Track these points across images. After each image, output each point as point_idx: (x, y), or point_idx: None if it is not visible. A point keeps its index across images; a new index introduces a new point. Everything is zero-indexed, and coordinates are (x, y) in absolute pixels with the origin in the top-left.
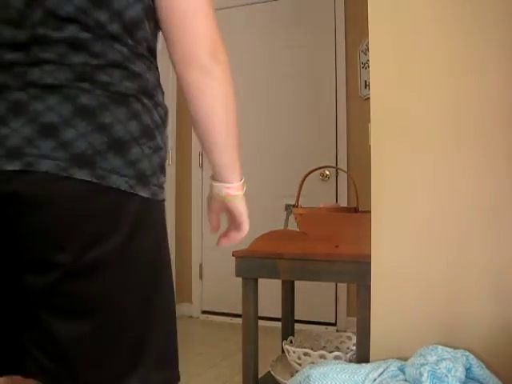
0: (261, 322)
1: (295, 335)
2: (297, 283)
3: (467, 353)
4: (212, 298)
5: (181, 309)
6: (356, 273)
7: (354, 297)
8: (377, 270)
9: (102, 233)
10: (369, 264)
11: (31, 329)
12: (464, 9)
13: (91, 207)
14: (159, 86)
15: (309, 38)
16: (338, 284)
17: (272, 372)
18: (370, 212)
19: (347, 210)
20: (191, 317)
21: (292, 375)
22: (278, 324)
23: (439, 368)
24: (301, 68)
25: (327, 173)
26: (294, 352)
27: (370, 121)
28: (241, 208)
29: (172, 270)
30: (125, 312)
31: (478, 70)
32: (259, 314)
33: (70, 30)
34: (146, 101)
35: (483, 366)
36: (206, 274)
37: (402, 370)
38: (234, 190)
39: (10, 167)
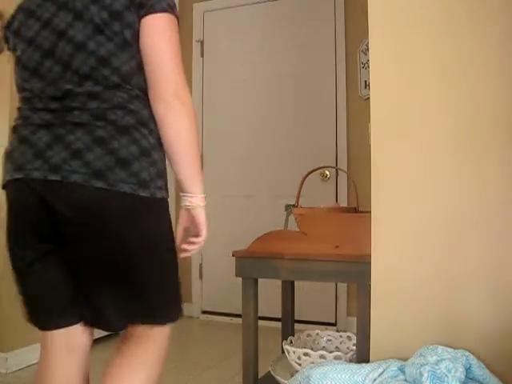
0: (261, 322)
1: (295, 335)
2: (297, 283)
3: (467, 353)
4: (212, 298)
5: None
6: (356, 273)
7: (354, 297)
8: (377, 270)
9: (113, 217)
10: (369, 264)
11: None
12: (464, 8)
13: (104, 204)
14: (152, 117)
15: (309, 38)
16: (338, 284)
17: (272, 372)
18: (369, 212)
19: (347, 209)
20: (191, 317)
21: (292, 375)
22: (278, 324)
23: (439, 368)
24: (301, 68)
25: (327, 173)
26: (294, 352)
27: (369, 121)
28: (201, 217)
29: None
30: (128, 265)
31: (478, 70)
32: (259, 314)
33: (87, 85)
34: (142, 130)
35: (483, 366)
36: (206, 274)
37: (402, 370)
38: (195, 199)
39: (52, 178)
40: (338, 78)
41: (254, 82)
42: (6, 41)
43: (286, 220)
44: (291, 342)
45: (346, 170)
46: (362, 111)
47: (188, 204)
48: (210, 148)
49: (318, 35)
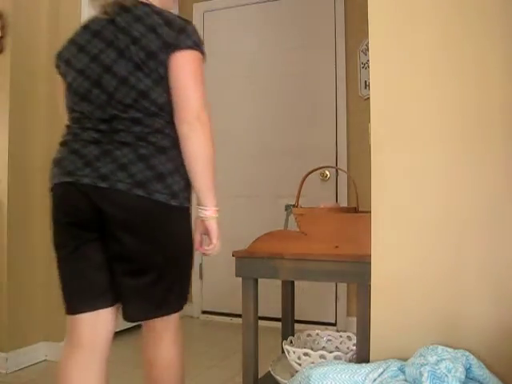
0: (261, 322)
1: (295, 335)
2: (297, 283)
3: (467, 353)
4: (212, 298)
5: None
6: (356, 273)
7: (354, 297)
8: (377, 270)
9: (149, 220)
10: (369, 264)
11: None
12: (464, 8)
13: (143, 208)
14: (177, 143)
15: (309, 38)
16: (338, 284)
17: (272, 372)
18: (369, 212)
19: (347, 209)
20: (191, 317)
21: (292, 375)
22: (278, 324)
23: (439, 368)
24: (301, 68)
25: (327, 173)
26: (294, 352)
27: (369, 121)
28: (213, 227)
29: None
30: (155, 260)
31: (478, 70)
32: (259, 314)
33: (130, 112)
34: (175, 150)
35: (483, 366)
36: (206, 274)
37: (402, 370)
38: (208, 212)
39: (101, 185)
40: (337, 78)
41: (254, 82)
42: (57, 67)
43: (286, 220)
44: (291, 342)
45: (345, 170)
46: (362, 111)
47: (202, 216)
48: None
49: (318, 35)
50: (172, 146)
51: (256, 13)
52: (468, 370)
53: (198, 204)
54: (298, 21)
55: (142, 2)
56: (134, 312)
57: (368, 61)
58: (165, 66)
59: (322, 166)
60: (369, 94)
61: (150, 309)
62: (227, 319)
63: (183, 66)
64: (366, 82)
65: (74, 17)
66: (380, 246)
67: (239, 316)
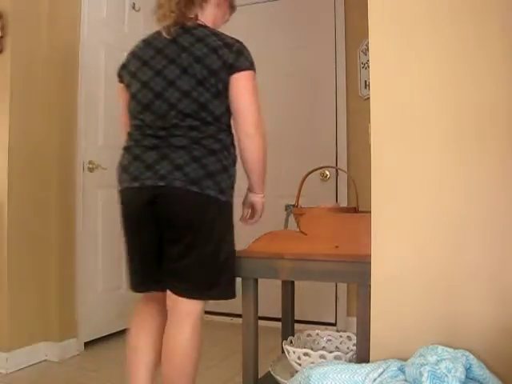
0: (261, 322)
1: (295, 335)
2: (297, 283)
3: (467, 353)
4: None
5: None
6: (356, 273)
7: (354, 297)
8: (377, 270)
9: (202, 212)
10: (369, 264)
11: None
12: (464, 8)
13: (197, 202)
14: (232, 144)
15: (309, 38)
16: (338, 284)
17: (272, 372)
18: (369, 212)
19: (347, 209)
20: None
21: (292, 375)
22: (278, 324)
23: (439, 368)
24: (301, 68)
25: (327, 173)
26: (294, 352)
27: (369, 121)
28: (259, 207)
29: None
30: (211, 249)
31: (478, 70)
32: (259, 314)
33: (189, 121)
34: (225, 153)
35: (483, 366)
36: None
37: (402, 370)
38: (258, 197)
39: (161, 184)
40: (337, 78)
41: None
42: (120, 77)
43: (286, 220)
44: (291, 342)
45: (345, 170)
46: (362, 111)
47: (253, 199)
48: None
49: (318, 35)
50: (222, 149)
51: (256, 13)
52: (468, 370)
53: (251, 191)
54: (298, 21)
55: (199, 24)
56: (183, 289)
57: (368, 61)
58: (224, 83)
59: (321, 166)
60: (369, 94)
61: (198, 288)
62: (227, 319)
63: (242, 85)
64: (365, 81)
65: (74, 17)
66: (380, 245)
67: (239, 316)
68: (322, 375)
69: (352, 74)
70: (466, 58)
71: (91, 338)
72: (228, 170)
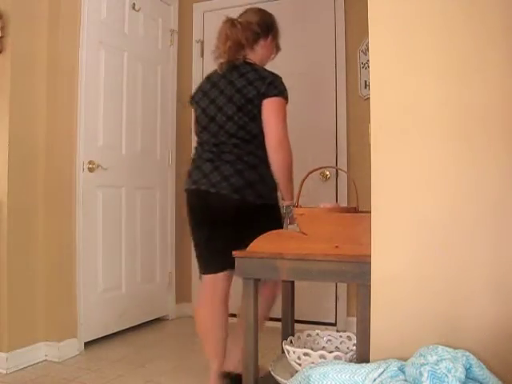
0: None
1: (295, 335)
2: (297, 283)
3: (467, 353)
4: None
5: (181, 309)
6: (356, 273)
7: (354, 297)
8: (377, 270)
9: (240, 213)
10: (369, 264)
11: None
12: (465, 7)
13: (237, 205)
14: (266, 160)
15: (309, 38)
16: (338, 284)
17: (272, 372)
18: (369, 212)
19: (347, 210)
20: (191, 317)
21: (292, 375)
22: (278, 324)
23: (439, 368)
24: (301, 68)
25: (327, 173)
26: (293, 352)
27: (369, 121)
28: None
29: (173, 270)
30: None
31: (479, 69)
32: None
33: (233, 140)
34: (263, 166)
35: (483, 366)
36: None
37: (402, 370)
38: (285, 203)
39: (212, 190)
40: (337, 78)
41: None
42: (191, 104)
43: (286, 220)
44: (291, 342)
45: (345, 170)
46: (362, 111)
47: (283, 206)
48: None
49: (318, 35)
50: (259, 163)
51: None
52: (468, 370)
53: (282, 198)
54: (297, 21)
55: (246, 62)
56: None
57: (368, 61)
58: (258, 108)
59: (321, 166)
60: (369, 94)
61: None
62: None
63: (270, 109)
64: (365, 81)
65: (74, 17)
66: (380, 246)
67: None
68: (322, 375)
69: (352, 74)
70: (467, 57)
71: (91, 338)
72: (265, 180)
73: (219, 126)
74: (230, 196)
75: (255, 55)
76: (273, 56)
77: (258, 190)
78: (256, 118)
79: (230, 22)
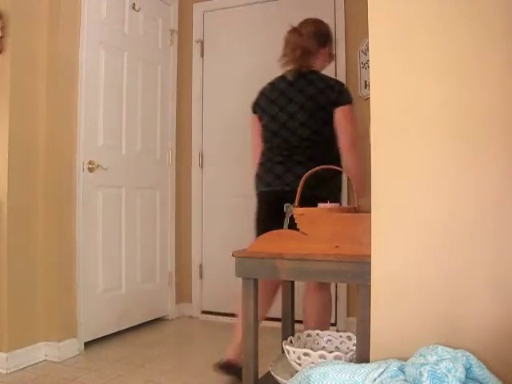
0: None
1: (295, 335)
2: (297, 283)
3: (467, 353)
4: (212, 298)
5: (181, 309)
6: (356, 273)
7: (354, 297)
8: (377, 270)
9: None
10: (369, 264)
11: None
12: (465, 8)
13: (313, 200)
14: (339, 157)
15: None
16: (338, 284)
17: (272, 372)
18: (369, 212)
19: (347, 210)
20: (191, 317)
21: (292, 375)
22: (278, 324)
23: (439, 368)
24: None
25: None
26: (293, 352)
27: (369, 121)
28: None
29: (173, 270)
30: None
31: (479, 69)
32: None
33: (305, 143)
34: (333, 165)
35: (483, 366)
36: (206, 274)
37: (402, 370)
38: (360, 201)
39: (286, 188)
40: (337, 77)
41: (254, 82)
42: (254, 112)
43: (286, 220)
44: (291, 342)
45: None
46: (362, 111)
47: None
48: (210, 148)
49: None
50: (329, 163)
51: (256, 13)
52: (468, 370)
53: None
54: (298, 21)
55: (311, 70)
56: None
57: (368, 61)
58: (330, 114)
59: (322, 166)
60: (369, 94)
61: None
62: (227, 319)
63: (342, 116)
64: (365, 81)
65: (74, 17)
66: (380, 246)
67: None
68: (322, 375)
69: (352, 74)
70: (467, 57)
71: (91, 338)
72: (336, 177)
73: (291, 132)
74: (305, 193)
75: (317, 63)
76: (327, 64)
77: (329, 187)
78: (327, 122)
79: (298, 32)
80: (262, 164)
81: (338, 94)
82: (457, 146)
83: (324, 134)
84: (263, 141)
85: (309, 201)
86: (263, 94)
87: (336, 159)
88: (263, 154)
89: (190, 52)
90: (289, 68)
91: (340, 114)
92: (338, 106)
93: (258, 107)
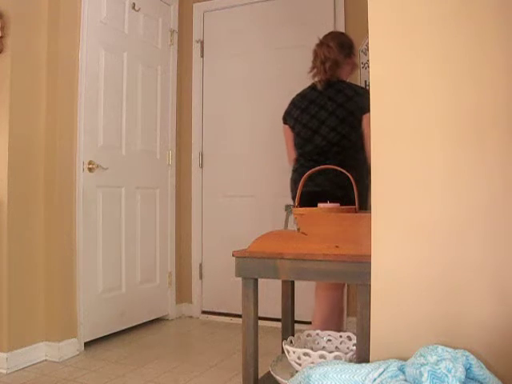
0: (261, 322)
1: (295, 335)
2: (297, 283)
3: (467, 353)
4: (212, 297)
5: (181, 309)
6: (356, 273)
7: (354, 297)
8: (377, 270)
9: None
10: (369, 264)
11: None
12: (465, 8)
13: (343, 201)
14: (366, 161)
15: (309, 38)
16: None
17: (272, 372)
18: (369, 212)
19: (347, 210)
20: (191, 317)
21: (292, 375)
22: (278, 324)
23: (439, 368)
24: (301, 68)
25: None
26: (293, 352)
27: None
28: None
29: (173, 270)
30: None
31: (479, 70)
32: (259, 314)
33: (335, 148)
34: (362, 167)
35: (483, 366)
36: (206, 274)
37: (402, 370)
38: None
39: (316, 189)
40: None
41: (254, 82)
42: (285, 121)
43: (286, 220)
44: (291, 342)
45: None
46: None
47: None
48: (210, 148)
49: (317, 35)
50: (358, 165)
51: (256, 13)
52: (468, 370)
53: None
54: (298, 20)
55: (339, 80)
56: None
57: (368, 61)
58: (358, 119)
59: (321, 166)
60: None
61: None
62: (227, 319)
63: (368, 122)
64: (365, 81)
65: (74, 16)
66: (380, 246)
67: (239, 316)
68: (322, 375)
69: (352, 74)
70: (467, 57)
71: (91, 338)
72: (364, 179)
73: (322, 137)
74: (334, 192)
75: (343, 73)
76: (352, 73)
77: (358, 187)
78: (355, 127)
79: (326, 45)
80: (295, 170)
81: (365, 101)
82: (456, 145)
83: (352, 139)
84: (296, 148)
85: (341, 200)
86: (293, 104)
87: (364, 162)
88: (297, 160)
89: (190, 52)
90: (317, 78)
91: (367, 120)
92: (366, 112)
93: (289, 117)
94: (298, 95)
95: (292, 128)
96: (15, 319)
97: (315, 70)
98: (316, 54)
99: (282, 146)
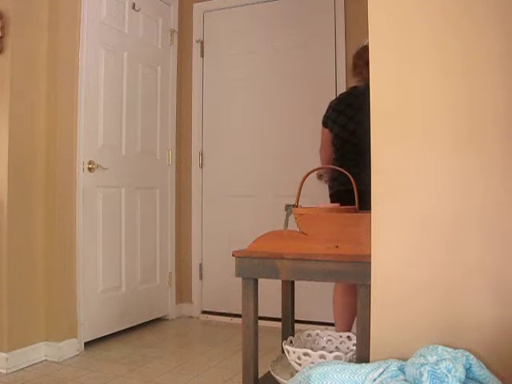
0: (261, 322)
1: (295, 335)
2: (297, 283)
3: (467, 353)
4: (212, 298)
5: (181, 309)
6: (356, 273)
7: None
8: (377, 270)
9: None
10: (369, 264)
11: None
12: (465, 8)
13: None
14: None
15: (309, 38)
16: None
17: (272, 372)
18: (369, 212)
19: (347, 210)
20: (191, 317)
21: (292, 375)
22: (278, 324)
23: (439, 368)
24: (301, 68)
25: None
26: (294, 352)
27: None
28: None
29: (173, 270)
30: None
31: (479, 69)
32: (259, 314)
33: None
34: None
35: (483, 366)
36: (206, 274)
37: (402, 370)
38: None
39: (361, 187)
40: (337, 78)
41: (254, 82)
42: (325, 124)
43: (286, 220)
44: (291, 342)
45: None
46: None
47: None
48: (210, 148)
49: (317, 35)
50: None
51: (256, 13)
52: (468, 370)
53: None
54: (298, 21)
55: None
56: None
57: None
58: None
59: (322, 166)
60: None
61: None
62: (227, 319)
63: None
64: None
65: (74, 16)
66: (380, 245)
67: (239, 316)
68: (322, 375)
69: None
70: (466, 58)
71: (91, 338)
72: None
73: (359, 138)
74: (367, 188)
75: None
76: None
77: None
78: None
79: (366, 48)
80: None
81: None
82: (456, 145)
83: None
84: (335, 148)
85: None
86: (332, 108)
87: None
88: (336, 159)
89: (190, 52)
90: (359, 78)
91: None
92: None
93: (328, 120)
94: (336, 99)
95: (331, 130)
96: (15, 319)
97: (358, 70)
98: (360, 56)
99: (282, 146)
